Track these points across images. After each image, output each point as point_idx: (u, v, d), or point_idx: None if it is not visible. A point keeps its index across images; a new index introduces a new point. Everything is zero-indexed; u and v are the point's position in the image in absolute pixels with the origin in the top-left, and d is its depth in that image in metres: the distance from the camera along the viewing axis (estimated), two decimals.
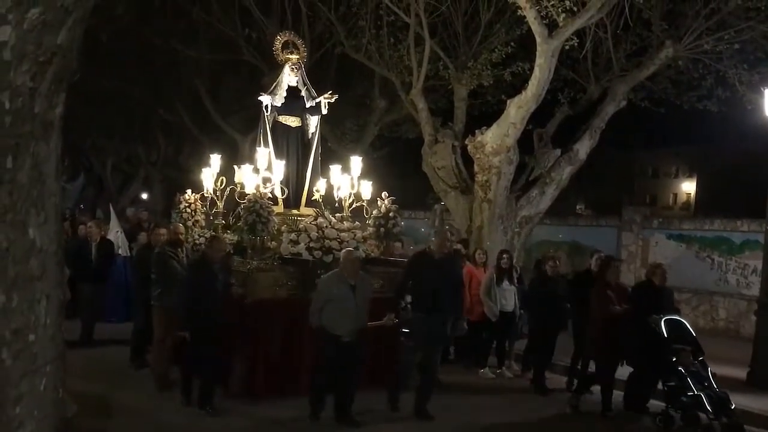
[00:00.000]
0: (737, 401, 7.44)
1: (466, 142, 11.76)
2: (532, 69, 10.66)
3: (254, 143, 19.48)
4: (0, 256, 2.25)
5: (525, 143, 12.24)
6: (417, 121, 13.26)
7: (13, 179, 2.27)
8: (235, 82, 18.16)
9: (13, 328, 2.30)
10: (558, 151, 12.44)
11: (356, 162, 9.10)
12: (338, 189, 8.94)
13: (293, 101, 9.39)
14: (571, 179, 12.71)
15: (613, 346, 7.42)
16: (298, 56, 9.56)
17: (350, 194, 8.84)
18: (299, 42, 9.85)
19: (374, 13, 13.00)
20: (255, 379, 7.46)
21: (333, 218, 8.26)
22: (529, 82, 10.54)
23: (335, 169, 9.10)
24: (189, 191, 9.67)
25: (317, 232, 7.90)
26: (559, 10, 9.56)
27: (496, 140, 11.16)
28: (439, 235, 7.63)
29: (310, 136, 9.56)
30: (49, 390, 2.48)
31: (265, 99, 9.21)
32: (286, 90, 9.37)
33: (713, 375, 7.10)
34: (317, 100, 9.46)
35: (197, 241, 8.72)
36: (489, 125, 11.40)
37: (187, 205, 9.36)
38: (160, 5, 14.88)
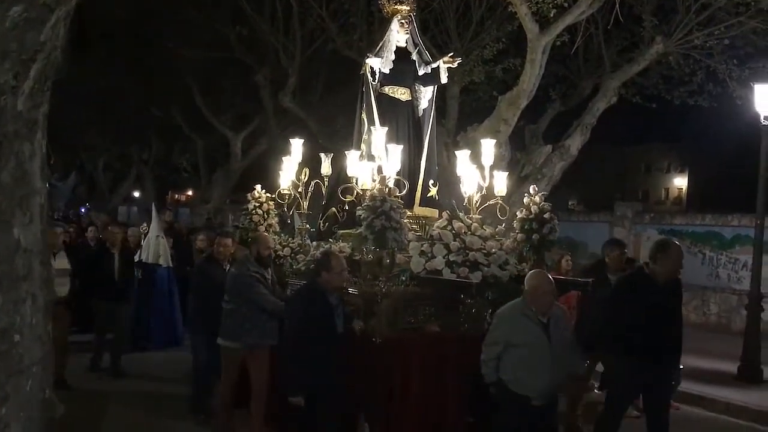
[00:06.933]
0: (728, 395, 7.53)
1: (458, 138, 11.77)
2: (523, 65, 10.67)
3: (247, 140, 19.60)
4: None
5: (516, 139, 12.25)
6: None
7: None
8: (227, 81, 18.14)
9: None
10: (549, 147, 12.47)
11: (488, 146, 6.60)
12: (462, 183, 6.61)
13: (402, 67, 7.19)
14: (563, 175, 12.74)
15: None
16: (408, 7, 7.34)
17: (481, 189, 6.51)
18: None
19: (366, 10, 12.99)
20: None
21: (472, 222, 6.19)
22: (521, 78, 10.55)
23: (462, 155, 6.67)
24: (258, 187, 7.70)
25: (456, 241, 5.91)
26: (550, 6, 9.57)
27: (487, 136, 11.16)
28: (672, 250, 5.05)
29: (421, 113, 7.41)
30: (36, 391, 2.47)
31: (373, 62, 6.97)
32: (394, 52, 7.14)
33: None
34: (434, 65, 7.29)
35: (280, 253, 6.77)
36: (481, 121, 11.40)
37: (257, 205, 7.50)
38: (152, 4, 14.82)
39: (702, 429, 6.87)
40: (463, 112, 13.75)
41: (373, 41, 12.93)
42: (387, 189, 5.77)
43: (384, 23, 12.44)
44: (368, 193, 5.93)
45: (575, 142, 12.46)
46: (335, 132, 16.76)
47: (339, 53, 14.21)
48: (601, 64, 13.00)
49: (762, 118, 8.71)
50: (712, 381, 8.19)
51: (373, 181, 6.12)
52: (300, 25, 14.39)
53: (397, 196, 6.03)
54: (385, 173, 6.09)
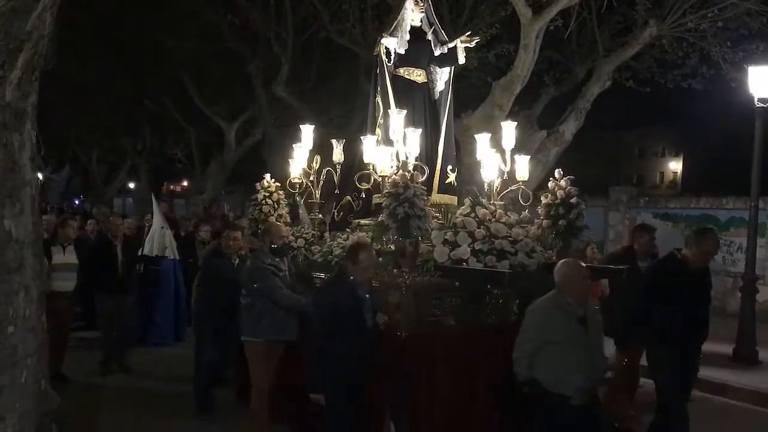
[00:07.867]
0: (723, 377, 7.56)
1: None
2: (516, 50, 10.63)
3: (241, 130, 19.52)
4: None
5: None
6: None
7: None
8: (219, 71, 18.03)
9: None
10: (544, 133, 12.44)
11: (509, 129, 6.26)
12: (482, 167, 6.25)
13: (417, 47, 6.87)
14: (558, 160, 12.72)
15: None
16: None
17: (502, 174, 6.23)
18: None
19: None
20: None
21: (496, 208, 5.92)
22: (514, 64, 10.52)
23: (481, 139, 6.34)
24: (268, 176, 7.34)
25: (481, 229, 5.64)
26: None
27: (481, 123, 11.13)
28: (708, 238, 5.12)
29: (437, 95, 7.12)
30: (31, 382, 2.46)
31: (388, 42, 6.62)
32: (409, 32, 6.83)
33: None
34: (450, 45, 6.94)
35: (294, 244, 6.40)
36: (474, 108, 11.37)
37: (267, 195, 7.18)
38: None
39: (698, 410, 6.86)
40: (457, 99, 13.68)
41: (366, 28, 12.94)
42: (409, 174, 5.37)
43: (376, 9, 12.42)
44: (388, 180, 5.57)
45: (570, 127, 12.44)
46: (330, 121, 16.73)
47: (332, 41, 14.13)
48: (595, 48, 12.95)
49: (756, 100, 8.71)
50: (708, 363, 8.11)
51: (391, 167, 5.82)
52: (292, 13, 14.30)
53: (418, 183, 5.58)
54: (404, 158, 5.77)
